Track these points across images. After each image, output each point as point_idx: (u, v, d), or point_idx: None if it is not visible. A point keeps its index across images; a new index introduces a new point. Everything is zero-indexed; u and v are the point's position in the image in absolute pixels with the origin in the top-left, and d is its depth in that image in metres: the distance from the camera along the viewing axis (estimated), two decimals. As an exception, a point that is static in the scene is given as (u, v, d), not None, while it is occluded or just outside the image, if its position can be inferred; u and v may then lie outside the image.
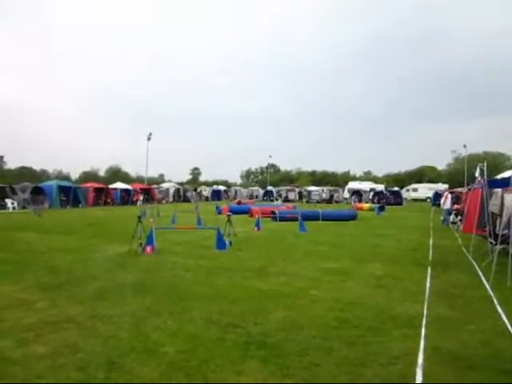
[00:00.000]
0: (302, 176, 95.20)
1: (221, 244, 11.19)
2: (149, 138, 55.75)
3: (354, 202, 45.01)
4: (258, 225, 17.00)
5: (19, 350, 4.24)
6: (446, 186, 54.66)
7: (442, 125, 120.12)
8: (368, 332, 4.92)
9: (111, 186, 42.23)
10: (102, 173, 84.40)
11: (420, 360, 4.11)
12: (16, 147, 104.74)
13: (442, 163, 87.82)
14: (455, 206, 22.87)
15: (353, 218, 23.77)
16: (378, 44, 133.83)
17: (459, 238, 15.21)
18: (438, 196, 41.11)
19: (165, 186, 54.64)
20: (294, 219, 18.65)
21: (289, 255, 10.60)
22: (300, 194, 55.40)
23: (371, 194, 49.06)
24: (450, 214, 21.45)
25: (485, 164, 10.86)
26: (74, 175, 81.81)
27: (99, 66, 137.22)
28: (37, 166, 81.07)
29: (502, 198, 11.75)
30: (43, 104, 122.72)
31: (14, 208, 28.61)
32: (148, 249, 10.60)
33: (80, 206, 34.17)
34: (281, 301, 6.25)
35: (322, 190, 54.58)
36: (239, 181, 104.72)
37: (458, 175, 62.34)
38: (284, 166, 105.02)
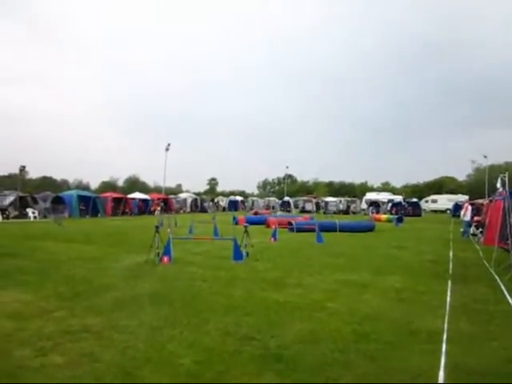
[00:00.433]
0: (319, 187, 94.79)
1: (238, 255, 11.17)
2: (167, 149, 56.22)
3: (372, 213, 44.52)
4: (274, 235, 16.94)
5: (38, 359, 4.28)
6: (466, 197, 53.71)
7: (461, 135, 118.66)
8: (387, 346, 4.83)
9: (129, 196, 42.69)
10: (120, 183, 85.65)
11: (441, 377, 4.01)
12: (38, 158, 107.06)
13: (461, 174, 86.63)
14: (475, 218, 22.43)
15: (370, 229, 23.52)
16: (398, 52, 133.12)
17: (480, 250, 14.88)
18: (457, 207, 40.45)
19: (182, 196, 55.02)
20: (311, 230, 18.54)
21: (305, 266, 10.52)
22: (317, 204, 55.10)
23: (389, 205, 48.50)
24: (470, 225, 21.04)
25: (506, 175, 10.65)
26: (94, 185, 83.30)
27: (120, 77, 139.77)
28: (57, 176, 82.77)
29: (525, 210, 11.51)
30: (64, 115, 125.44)
31: (34, 217, 29.13)
32: (165, 259, 10.64)
33: (99, 215, 34.62)
34: (297, 313, 6.19)
35: (340, 201, 54.14)
36: (256, 191, 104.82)
37: (478, 186, 61.15)
38: (301, 177, 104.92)
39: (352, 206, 52.35)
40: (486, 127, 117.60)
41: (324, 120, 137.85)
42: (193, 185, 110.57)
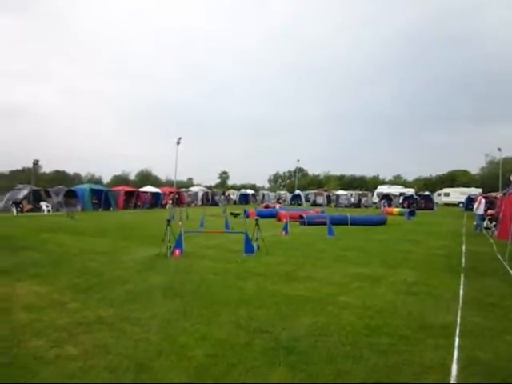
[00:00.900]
0: (330, 180, 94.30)
1: (249, 248, 11.19)
2: (178, 142, 56.36)
3: (384, 206, 44.22)
4: (285, 229, 16.93)
5: (52, 350, 4.34)
6: (480, 190, 53.09)
7: (474, 127, 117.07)
8: (400, 340, 4.81)
9: (141, 190, 42.94)
10: (132, 176, 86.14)
11: (454, 371, 3.98)
12: (51, 152, 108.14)
13: (474, 167, 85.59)
14: (489, 212, 22.16)
15: (382, 222, 23.38)
16: (408, 46, 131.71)
17: (494, 244, 14.71)
18: (470, 201, 40.02)
19: (194, 189, 55.19)
20: (323, 223, 18.49)
21: (317, 260, 10.50)
22: (328, 198, 54.91)
23: (401, 198, 48.10)
24: (483, 219, 20.80)
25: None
26: (106, 179, 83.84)
27: (133, 72, 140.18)
28: (70, 170, 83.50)
29: (540, 203, 11.34)
30: (77, 109, 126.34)
31: (48, 210, 29.47)
32: (177, 252, 10.70)
33: (111, 209, 34.91)
34: (309, 306, 6.18)
35: (351, 195, 53.89)
36: (267, 185, 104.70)
37: (491, 179, 60.33)
38: (312, 170, 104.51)
39: (363, 200, 52.06)
40: (501, 120, 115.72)
41: (336, 114, 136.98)
42: (204, 178, 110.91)
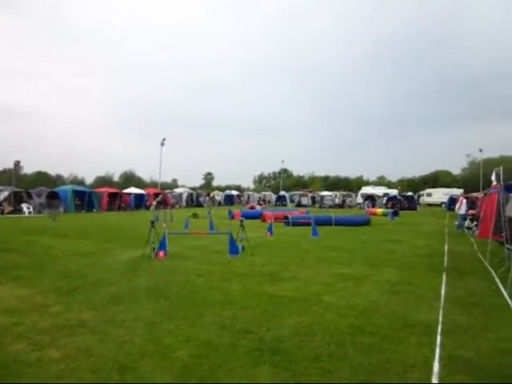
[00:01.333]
0: (314, 181, 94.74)
1: (233, 249, 11.18)
2: (162, 144, 56.11)
3: (368, 207, 44.61)
4: (270, 230, 16.96)
5: (34, 353, 4.27)
6: (461, 190, 53.92)
7: (456, 129, 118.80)
8: (383, 339, 4.85)
9: (125, 191, 42.55)
10: (116, 178, 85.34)
11: (436, 368, 4.04)
12: (32, 152, 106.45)
13: (456, 168, 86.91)
14: (470, 211, 22.54)
15: (366, 223, 23.59)
16: (392, 48, 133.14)
17: (475, 243, 14.96)
18: (452, 201, 40.61)
19: (178, 190, 54.90)
20: (307, 224, 18.58)
21: (302, 260, 10.54)
22: (313, 198, 55.19)
23: (385, 198, 48.57)
24: (465, 219, 21.14)
25: (501, 168, 10.69)
26: (89, 180, 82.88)
27: (115, 70, 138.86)
28: (52, 171, 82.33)
29: (520, 203, 11.57)
30: (58, 109, 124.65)
31: (29, 212, 29.00)
32: (161, 253, 10.64)
33: (94, 210, 34.49)
34: (294, 306, 6.21)
35: (335, 195, 54.27)
36: (252, 186, 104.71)
37: (473, 180, 61.40)
38: (297, 171, 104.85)
39: (348, 200, 52.47)
40: (481, 121, 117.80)
41: (321, 115, 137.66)
42: (189, 179, 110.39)
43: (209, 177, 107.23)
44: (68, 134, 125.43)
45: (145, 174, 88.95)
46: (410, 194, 53.06)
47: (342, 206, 50.24)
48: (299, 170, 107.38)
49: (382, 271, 9.26)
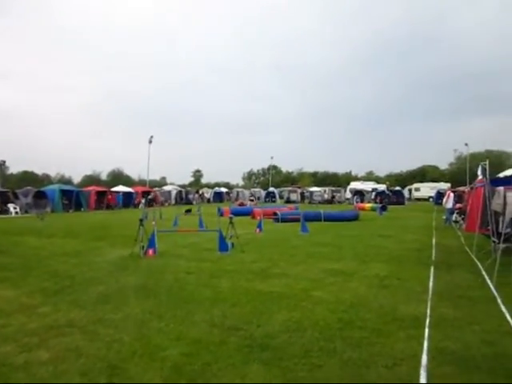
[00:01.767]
0: (303, 177, 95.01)
1: (223, 246, 11.17)
2: (150, 141, 55.89)
3: (356, 202, 44.89)
4: (260, 226, 16.98)
5: (22, 355, 4.23)
6: (448, 185, 54.51)
7: (443, 124, 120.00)
8: (372, 333, 4.90)
9: (113, 189, 42.26)
10: (103, 176, 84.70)
11: (424, 361, 4.09)
12: (18, 152, 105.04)
13: (444, 162, 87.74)
14: (457, 205, 22.78)
15: (355, 218, 23.72)
16: (380, 46, 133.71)
17: (462, 237, 15.16)
18: (440, 195, 41.02)
19: (167, 188, 54.67)
20: (296, 220, 18.63)
21: (291, 256, 10.58)
22: (302, 194, 55.35)
23: (373, 194, 48.92)
24: (452, 213, 21.37)
25: (487, 162, 10.81)
26: (76, 179, 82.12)
27: (100, 68, 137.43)
28: (39, 171, 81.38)
29: (505, 196, 11.71)
30: (44, 108, 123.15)
31: (16, 213, 28.65)
32: (150, 252, 10.59)
33: (82, 209, 34.20)
34: (283, 303, 6.23)
35: (324, 191, 54.53)
36: (241, 182, 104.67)
37: (460, 174, 62.13)
38: (286, 167, 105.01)
39: (337, 196, 52.77)
40: (467, 116, 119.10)
41: (309, 111, 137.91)
42: (177, 177, 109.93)
43: (198, 174, 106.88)
44: (55, 132, 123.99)
45: (133, 172, 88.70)
46: (398, 188, 53.50)
47: (331, 201, 50.43)
48: (288, 166, 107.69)
49: (371, 266, 9.33)
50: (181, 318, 5.50)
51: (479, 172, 12.05)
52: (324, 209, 26.56)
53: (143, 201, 40.65)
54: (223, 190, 63.41)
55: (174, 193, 51.09)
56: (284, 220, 21.22)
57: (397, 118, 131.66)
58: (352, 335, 4.84)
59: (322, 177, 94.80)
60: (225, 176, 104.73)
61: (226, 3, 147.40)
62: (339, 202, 50.30)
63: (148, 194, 44.56)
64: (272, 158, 79.91)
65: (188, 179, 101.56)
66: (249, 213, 25.32)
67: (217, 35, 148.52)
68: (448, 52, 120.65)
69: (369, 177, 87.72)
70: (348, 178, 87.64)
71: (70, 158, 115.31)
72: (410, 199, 59.34)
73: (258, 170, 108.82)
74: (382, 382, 3.70)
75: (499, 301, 6.32)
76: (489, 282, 7.62)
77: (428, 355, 4.23)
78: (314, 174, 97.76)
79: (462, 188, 35.12)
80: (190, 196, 53.31)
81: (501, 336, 4.83)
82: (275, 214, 22.56)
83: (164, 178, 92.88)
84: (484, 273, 8.44)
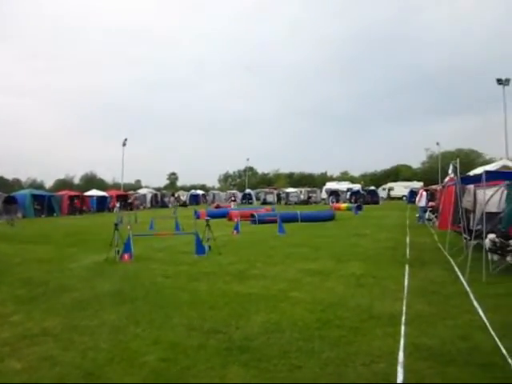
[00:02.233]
0: (279, 178, 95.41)
1: (200, 249, 11.10)
2: (124, 144, 55.13)
3: (332, 202, 45.36)
4: (237, 228, 16.95)
5: (-7, 366, 4.11)
6: (421, 183, 55.60)
7: (416, 123, 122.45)
8: (350, 332, 4.95)
9: (87, 194, 41.50)
10: (76, 180, 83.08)
11: (401, 358, 4.16)
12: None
13: (416, 161, 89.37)
14: (430, 204, 23.27)
15: (331, 218, 23.94)
16: (353, 47, 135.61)
17: (435, 234, 15.49)
18: (413, 194, 41.81)
19: (142, 191, 53.99)
20: (273, 221, 18.68)
21: (269, 258, 10.60)
22: (278, 195, 55.55)
23: (348, 193, 49.53)
24: (425, 211, 21.81)
25: (458, 161, 11.08)
26: (48, 183, 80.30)
27: (73, 69, 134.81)
28: (9, 176, 79.18)
29: (475, 194, 12.05)
30: (14, 110, 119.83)
31: (-15, 219, 27.80)
32: (126, 256, 10.43)
33: (55, 214, 33.45)
34: (262, 304, 6.23)
35: (300, 192, 54.85)
36: (217, 184, 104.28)
37: (432, 173, 63.46)
38: (261, 169, 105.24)
39: (313, 196, 53.15)
40: (439, 115, 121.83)
41: (283, 113, 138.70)
42: (152, 180, 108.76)
43: (173, 177, 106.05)
44: (25, 136, 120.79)
45: (107, 176, 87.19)
46: (372, 188, 54.28)
47: (307, 202, 50.78)
48: (264, 167, 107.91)
49: (348, 265, 9.43)
50: (158, 322, 5.44)
51: (450, 170, 12.37)
52: (300, 209, 26.73)
53: (118, 205, 40.04)
54: (199, 192, 63.04)
55: (149, 196, 50.50)
56: (261, 221, 21.25)
57: (370, 117, 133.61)
58: (330, 334, 4.88)
59: (298, 178, 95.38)
60: (201, 178, 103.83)
61: (204, 4, 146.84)
62: (315, 203, 50.69)
63: (124, 198, 43.95)
64: (248, 159, 79.77)
65: (163, 182, 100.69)
66: (225, 215, 25.26)
67: (193, 35, 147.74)
68: (420, 51, 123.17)
69: (344, 177, 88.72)
70: (323, 178, 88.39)
71: (41, 162, 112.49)
72: (389, 198, 60.46)
73: (234, 172, 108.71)
74: (360, 380, 3.74)
75: (471, 296, 6.48)
76: (461, 277, 7.81)
77: (404, 352, 4.30)
78: (290, 175, 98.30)
79: (434, 186, 35.95)
80: (166, 199, 52.83)
81: (474, 330, 4.95)
82: (252, 215, 22.58)
83: (139, 181, 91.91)
84: (457, 269, 8.64)
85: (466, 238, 10.74)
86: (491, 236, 8.81)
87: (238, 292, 7.01)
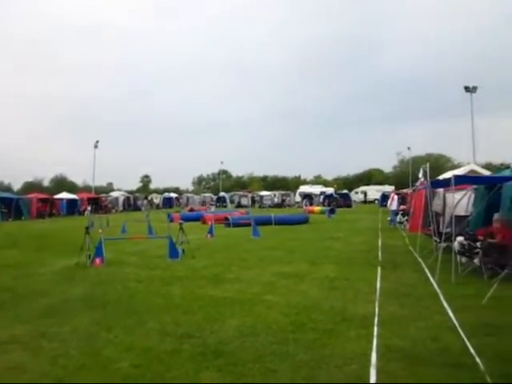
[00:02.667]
0: (253, 181, 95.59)
1: (173, 253, 10.99)
2: (96, 146, 54.22)
3: (306, 205, 45.71)
4: (211, 232, 16.87)
5: (-43, 376, 3.95)
6: (393, 187, 56.67)
7: (387, 128, 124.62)
8: (323, 334, 4.99)
9: (56, 197, 40.53)
10: (46, 183, 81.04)
11: (373, 359, 4.21)
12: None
13: (388, 166, 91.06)
14: (401, 207, 23.74)
15: (305, 221, 24.12)
16: (327, 51, 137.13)
17: (406, 237, 15.81)
18: (385, 197, 42.53)
19: (114, 194, 53.12)
20: (248, 225, 18.68)
21: (243, 261, 10.59)
22: (252, 199, 55.64)
23: (322, 197, 50.04)
24: (396, 214, 22.23)
25: (427, 165, 11.35)
26: (16, 186, 77.99)
27: (43, 69, 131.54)
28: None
29: (444, 197, 12.37)
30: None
31: (-51, 223, 26.81)
32: (97, 261, 10.23)
33: (23, 218, 32.53)
34: (236, 308, 6.22)
35: (274, 195, 55.14)
36: (191, 187, 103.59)
37: (403, 177, 64.79)
38: (235, 172, 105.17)
39: (286, 200, 53.50)
40: (410, 120, 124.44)
41: (257, 116, 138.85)
42: (125, 183, 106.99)
43: (146, 179, 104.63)
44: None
45: (77, 178, 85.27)
46: (345, 191, 55.00)
47: (281, 205, 51.06)
48: (238, 170, 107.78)
49: (321, 268, 9.52)
50: (131, 327, 5.35)
51: (421, 175, 12.66)
52: (274, 213, 26.82)
53: (89, 208, 39.28)
54: (173, 195, 62.51)
55: (121, 199, 49.72)
56: (235, 225, 21.23)
57: (343, 122, 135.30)
58: (304, 337, 4.90)
59: (272, 181, 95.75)
60: (174, 181, 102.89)
61: (183, 6, 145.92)
62: (289, 206, 51.03)
63: (96, 201, 43.15)
64: (222, 162, 79.80)
65: (136, 185, 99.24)
66: (199, 218, 25.10)
67: (170, 35, 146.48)
68: (392, 57, 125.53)
69: (317, 180, 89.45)
70: (297, 181, 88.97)
71: (8, 163, 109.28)
72: (365, 202, 61.32)
73: (207, 175, 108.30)
74: (333, 382, 3.77)
75: (441, 297, 6.64)
76: (432, 279, 7.99)
77: (377, 353, 4.36)
78: (264, 179, 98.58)
79: (405, 190, 36.63)
80: (139, 202, 52.15)
81: (444, 331, 5.07)
82: (226, 218, 22.52)
83: (111, 184, 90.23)
84: (427, 271, 8.84)
85: (435, 241, 11.01)
86: (460, 239, 9.07)
87: (213, 296, 6.97)
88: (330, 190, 54.69)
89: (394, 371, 3.96)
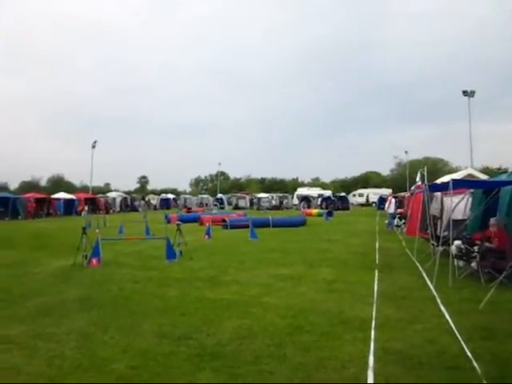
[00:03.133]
0: (251, 183, 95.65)
1: (171, 254, 10.96)
2: (93, 146, 54.13)
3: (303, 208, 45.74)
4: (208, 233, 16.84)
5: (-48, 376, 3.92)
6: (390, 190, 56.74)
7: (385, 131, 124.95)
8: (321, 337, 4.97)
9: (54, 196, 40.42)
10: (43, 182, 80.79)
11: (371, 362, 4.20)
12: None
13: (385, 169, 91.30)
14: (399, 210, 23.75)
15: (302, 224, 24.12)
16: (327, 54, 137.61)
17: (403, 240, 15.81)
18: (382, 200, 42.55)
19: (111, 195, 52.99)
20: (245, 226, 18.66)
21: (240, 263, 10.56)
22: (250, 201, 55.61)
23: (319, 199, 50.05)
24: (394, 217, 22.23)
25: (425, 169, 11.37)
26: (13, 185, 77.70)
27: (41, 68, 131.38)
28: (-29, 177, 76.20)
29: (442, 201, 12.38)
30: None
31: None
32: (94, 261, 10.19)
33: (20, 217, 32.43)
34: (234, 310, 6.20)
35: (272, 197, 55.08)
36: (188, 189, 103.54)
37: (400, 180, 64.95)
38: (233, 174, 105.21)
39: (284, 202, 53.49)
40: (408, 123, 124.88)
41: (256, 118, 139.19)
42: (122, 183, 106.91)
43: (143, 180, 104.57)
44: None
45: (75, 179, 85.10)
46: (343, 194, 55.03)
47: (278, 207, 51.03)
48: (236, 172, 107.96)
49: (319, 270, 9.51)
50: (127, 329, 5.32)
51: (418, 178, 12.68)
52: (272, 215, 26.82)
53: (86, 208, 39.18)
54: (170, 196, 62.43)
55: (118, 200, 49.59)
56: (233, 226, 21.20)
57: (342, 124, 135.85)
58: (302, 340, 4.89)
59: (270, 183, 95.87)
60: (172, 182, 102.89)
61: (173, 6, 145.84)
62: (287, 208, 51.04)
63: (93, 201, 43.04)
64: (220, 164, 79.86)
65: (133, 186, 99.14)
66: (196, 219, 25.06)
67: (165, 38, 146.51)
68: (391, 60, 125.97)
69: (315, 183, 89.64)
70: (295, 184, 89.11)
71: (6, 163, 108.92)
72: (366, 204, 61.31)
73: (205, 177, 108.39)
74: (331, 384, 3.76)
75: (438, 301, 6.64)
76: (429, 283, 7.99)
77: (375, 356, 4.35)
78: (262, 181, 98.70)
79: (402, 193, 36.68)
80: (136, 203, 52.04)
81: (441, 334, 5.07)
82: (224, 220, 22.50)
83: (108, 185, 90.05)
84: (424, 274, 8.83)
85: (433, 245, 11.02)
86: (457, 242, 9.07)
87: (210, 298, 6.95)
88: (327, 193, 54.72)
89: (391, 374, 3.95)
